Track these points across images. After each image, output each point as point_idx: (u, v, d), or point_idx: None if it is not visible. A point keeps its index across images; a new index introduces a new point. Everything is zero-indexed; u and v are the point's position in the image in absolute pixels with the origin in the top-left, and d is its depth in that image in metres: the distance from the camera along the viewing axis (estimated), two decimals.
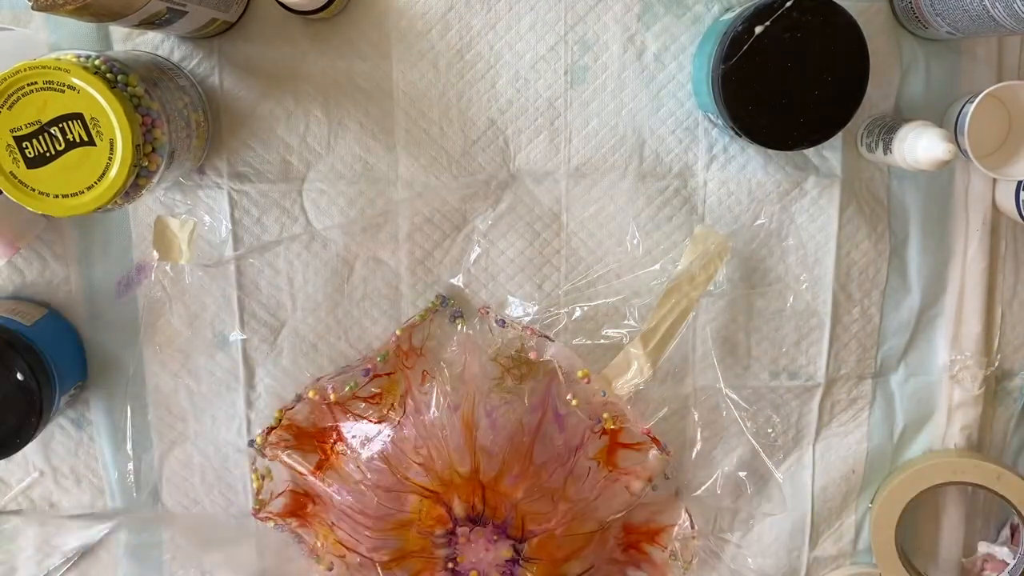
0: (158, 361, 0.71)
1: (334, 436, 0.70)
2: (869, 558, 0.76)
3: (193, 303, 0.70)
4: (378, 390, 0.70)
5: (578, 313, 0.71)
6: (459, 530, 0.67)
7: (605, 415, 0.68)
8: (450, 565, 0.68)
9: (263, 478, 0.71)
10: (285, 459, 0.69)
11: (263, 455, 0.70)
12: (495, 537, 0.67)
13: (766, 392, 0.73)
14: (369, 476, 0.67)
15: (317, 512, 0.71)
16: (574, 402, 0.68)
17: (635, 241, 0.70)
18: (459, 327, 0.70)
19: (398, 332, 0.70)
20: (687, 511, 0.71)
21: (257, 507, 0.71)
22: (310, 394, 0.69)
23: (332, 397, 0.68)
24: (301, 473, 0.69)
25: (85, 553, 0.75)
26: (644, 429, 0.69)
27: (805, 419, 0.74)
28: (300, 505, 0.72)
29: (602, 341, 0.71)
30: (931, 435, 0.74)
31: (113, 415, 0.72)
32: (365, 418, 0.69)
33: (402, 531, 0.68)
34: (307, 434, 0.70)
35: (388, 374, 0.70)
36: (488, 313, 0.70)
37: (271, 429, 0.69)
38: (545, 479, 0.67)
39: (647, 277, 0.70)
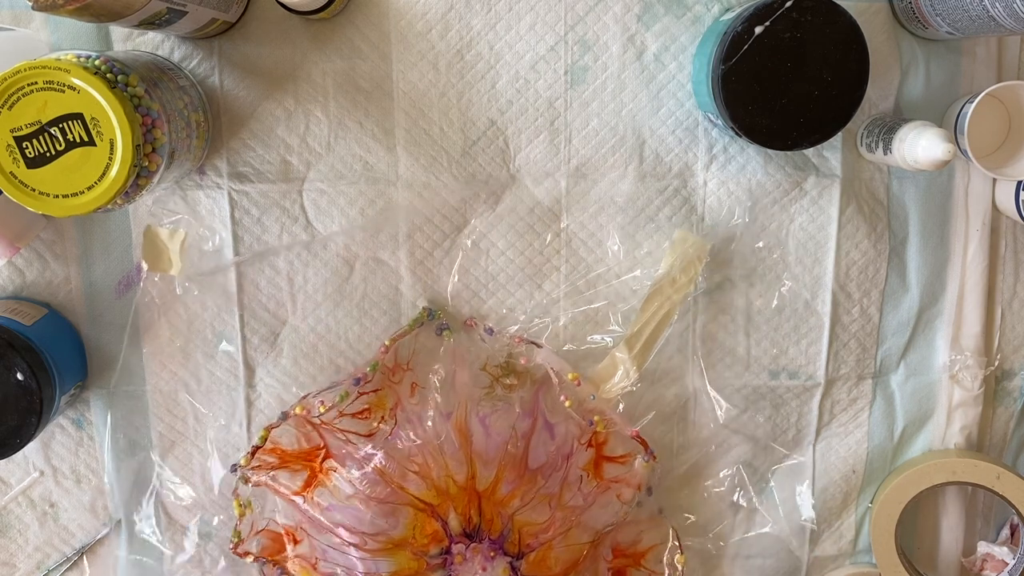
0: (158, 361, 0.71)
1: (323, 452, 0.67)
2: (869, 558, 0.76)
3: (193, 303, 0.70)
4: (366, 406, 0.68)
5: (562, 320, 0.70)
6: (455, 547, 0.67)
7: (596, 417, 0.68)
8: None
9: (245, 507, 0.68)
10: (269, 482, 0.67)
11: (247, 481, 0.67)
12: (492, 554, 0.66)
13: (766, 392, 0.73)
14: (362, 488, 0.66)
15: (299, 553, 0.68)
16: (568, 404, 0.68)
17: (635, 241, 0.70)
18: (446, 339, 0.70)
19: (387, 343, 0.69)
20: (673, 528, 0.70)
21: (235, 540, 0.68)
22: (296, 410, 0.67)
23: (321, 410, 0.66)
24: (288, 497, 0.66)
25: (85, 553, 0.75)
26: (633, 432, 0.69)
27: (805, 419, 0.74)
28: (279, 548, 0.69)
29: (590, 346, 0.71)
30: (931, 435, 0.74)
31: (113, 415, 0.72)
32: (354, 432, 0.67)
33: (396, 552, 0.66)
34: (293, 456, 0.68)
35: (375, 391, 0.68)
36: (475, 324, 0.70)
37: (256, 448, 0.67)
38: (541, 484, 0.67)
39: (643, 278, 0.70)
